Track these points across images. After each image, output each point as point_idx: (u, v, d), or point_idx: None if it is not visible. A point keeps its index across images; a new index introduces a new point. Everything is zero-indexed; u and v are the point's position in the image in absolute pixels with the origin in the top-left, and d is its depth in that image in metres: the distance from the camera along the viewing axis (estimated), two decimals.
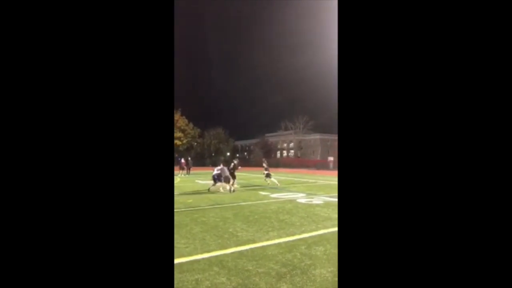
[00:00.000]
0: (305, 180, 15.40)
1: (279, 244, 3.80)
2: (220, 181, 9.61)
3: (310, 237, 4.14)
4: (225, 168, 9.67)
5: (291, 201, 7.76)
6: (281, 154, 53.75)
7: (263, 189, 10.59)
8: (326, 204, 7.13)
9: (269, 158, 41.48)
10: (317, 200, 7.79)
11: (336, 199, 7.90)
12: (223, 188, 9.75)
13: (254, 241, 3.95)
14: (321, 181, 14.30)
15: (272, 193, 9.54)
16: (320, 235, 4.23)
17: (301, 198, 8.30)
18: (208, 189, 9.83)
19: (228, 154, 44.00)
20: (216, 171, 9.86)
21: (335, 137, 42.83)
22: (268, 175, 12.36)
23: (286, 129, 51.88)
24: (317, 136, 51.07)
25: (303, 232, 4.42)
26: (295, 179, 15.68)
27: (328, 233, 4.36)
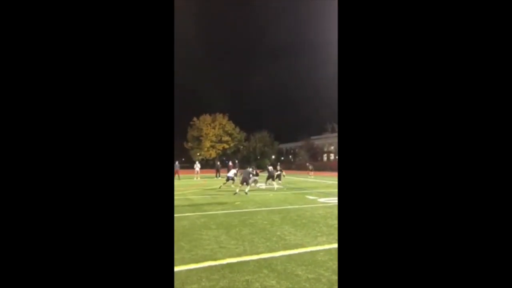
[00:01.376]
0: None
1: (329, 250, 3.68)
2: (233, 180, 11.79)
3: None
4: (248, 171, 10.86)
5: None
6: (328, 157, 51.96)
7: (310, 193, 10.37)
8: None
9: (315, 161, 40.45)
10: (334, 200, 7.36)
11: None
12: (235, 186, 11.21)
13: (302, 246, 3.89)
14: None
15: (320, 197, 9.28)
16: None
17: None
18: (220, 187, 11.83)
19: (273, 157, 44.12)
20: (231, 173, 12.10)
21: None
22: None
23: (333, 131, 50.12)
24: None
25: None
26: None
27: None
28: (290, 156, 57.46)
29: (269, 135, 50.54)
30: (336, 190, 11.39)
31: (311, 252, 3.64)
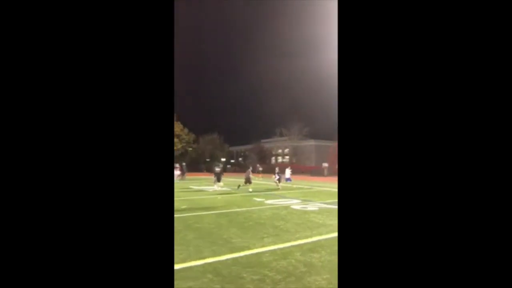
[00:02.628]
0: (299, 186, 15.40)
1: (274, 251, 3.78)
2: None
3: (305, 243, 4.13)
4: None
5: (286, 207, 7.74)
6: (276, 159, 53.79)
7: (257, 195, 10.55)
8: (321, 211, 7.13)
9: (264, 163, 41.45)
10: (312, 207, 7.79)
11: (331, 206, 7.91)
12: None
13: (249, 248, 3.92)
14: (316, 187, 14.33)
15: (267, 199, 9.51)
16: (315, 242, 4.22)
17: (295, 204, 8.29)
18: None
19: (223, 159, 43.86)
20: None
21: (330, 143, 43.08)
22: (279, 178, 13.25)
23: (281, 135, 51.99)
24: (312, 143, 51.25)
25: (298, 238, 4.40)
26: (290, 185, 15.68)
27: (323, 239, 4.35)
28: (240, 159, 57.85)
29: (219, 138, 50.15)
30: (283, 191, 11.83)
31: (257, 253, 3.69)
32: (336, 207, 7.69)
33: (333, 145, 39.58)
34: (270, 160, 52.07)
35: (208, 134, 48.34)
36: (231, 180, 14.57)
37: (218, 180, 12.70)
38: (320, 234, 4.67)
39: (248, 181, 12.16)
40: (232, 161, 53.88)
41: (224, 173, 14.52)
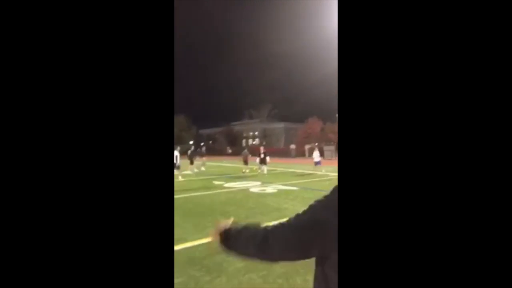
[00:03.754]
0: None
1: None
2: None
3: None
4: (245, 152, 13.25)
5: (244, 190, 7.30)
6: (247, 142, 53.44)
7: (218, 179, 10.01)
8: (279, 193, 6.79)
9: (234, 146, 40.93)
10: (271, 189, 7.43)
11: (291, 187, 7.61)
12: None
13: (185, 240, 3.38)
14: (280, 169, 14.10)
15: (227, 182, 9.02)
16: None
17: (255, 187, 7.88)
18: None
19: (191, 142, 42.42)
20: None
21: (299, 125, 43.44)
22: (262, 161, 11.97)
23: (250, 117, 51.52)
24: (281, 125, 51.54)
25: None
26: (256, 167, 15.37)
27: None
28: (211, 142, 56.64)
29: (186, 119, 48.14)
30: (247, 174, 11.40)
31: (191, 247, 3.16)
32: (295, 188, 7.41)
33: (302, 127, 40.03)
34: (240, 143, 51.63)
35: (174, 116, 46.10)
36: (200, 164, 13.74)
37: (191, 163, 12.22)
38: (270, 220, 4.25)
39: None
40: (202, 144, 52.63)
41: (196, 157, 13.67)
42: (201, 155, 15.50)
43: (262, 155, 11.95)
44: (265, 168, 11.76)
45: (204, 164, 14.53)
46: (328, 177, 9.99)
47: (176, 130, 44.47)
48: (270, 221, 4.16)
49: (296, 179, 9.72)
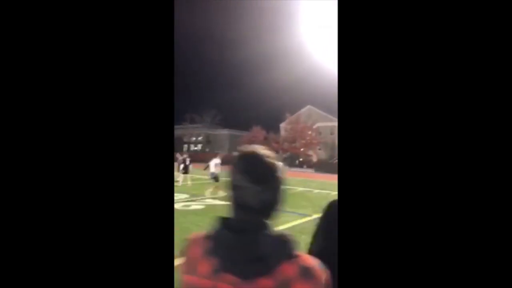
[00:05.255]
0: (201, 176, 13.84)
1: None
2: None
3: None
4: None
5: None
6: (188, 148, 50.88)
7: None
8: (205, 210, 5.71)
9: (174, 152, 38.44)
10: (198, 204, 6.29)
11: (221, 202, 6.60)
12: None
13: None
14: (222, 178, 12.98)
15: None
16: None
17: (180, 201, 6.64)
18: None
19: None
20: None
21: (242, 133, 43.10)
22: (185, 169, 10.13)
23: (192, 121, 49.50)
24: (225, 132, 50.65)
25: None
26: (193, 175, 13.95)
27: None
28: None
29: None
30: (180, 183, 9.95)
31: None
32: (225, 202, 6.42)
33: (245, 134, 39.78)
34: (182, 148, 48.85)
35: None
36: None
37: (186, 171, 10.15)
38: None
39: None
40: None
41: None
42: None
43: (186, 163, 10.41)
44: (188, 177, 10.18)
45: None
46: None
47: None
48: None
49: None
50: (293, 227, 4.51)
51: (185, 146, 50.59)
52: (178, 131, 50.35)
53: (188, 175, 10.20)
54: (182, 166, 10.32)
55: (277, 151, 30.69)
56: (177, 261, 0.73)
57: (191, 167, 10.63)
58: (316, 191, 10.19)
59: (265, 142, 36.14)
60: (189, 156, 11.57)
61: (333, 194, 7.06)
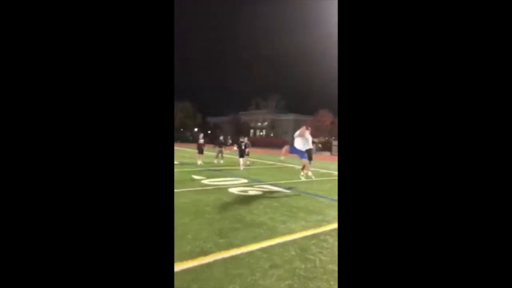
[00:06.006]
0: (264, 161, 13.63)
1: None
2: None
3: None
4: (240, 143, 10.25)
5: (221, 190, 5.85)
6: (254, 133, 51.85)
7: (200, 172, 8.60)
8: (264, 196, 5.31)
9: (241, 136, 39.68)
10: (256, 190, 5.95)
11: (280, 188, 6.12)
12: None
13: None
14: (280, 163, 12.55)
15: (209, 177, 7.61)
16: (193, 269, 2.32)
17: (238, 186, 6.43)
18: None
19: (196, 129, 41.25)
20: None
21: (308, 118, 41.44)
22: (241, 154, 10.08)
23: (257, 107, 49.92)
24: (291, 117, 49.62)
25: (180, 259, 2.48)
26: (256, 160, 13.85)
27: (218, 260, 2.47)
28: (218, 131, 55.52)
29: (192, 106, 46.71)
30: (235, 166, 9.90)
31: None
32: (285, 190, 5.91)
33: (311, 119, 38.07)
34: (248, 133, 50.16)
35: (180, 102, 44.70)
36: (207, 154, 12.11)
37: (201, 152, 10.98)
38: (225, 249, 2.78)
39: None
40: (209, 132, 51.53)
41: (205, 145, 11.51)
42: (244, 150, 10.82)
43: (242, 146, 10.06)
44: (241, 161, 9.91)
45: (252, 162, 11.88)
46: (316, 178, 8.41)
47: (181, 116, 43.23)
48: (222, 250, 2.56)
49: (291, 177, 8.16)
50: None
51: (252, 131, 51.67)
52: (246, 116, 51.60)
53: (242, 159, 9.91)
54: (238, 150, 10.13)
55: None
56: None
57: (247, 151, 10.38)
58: None
59: (332, 126, 33.96)
60: (250, 141, 11.46)
61: None
